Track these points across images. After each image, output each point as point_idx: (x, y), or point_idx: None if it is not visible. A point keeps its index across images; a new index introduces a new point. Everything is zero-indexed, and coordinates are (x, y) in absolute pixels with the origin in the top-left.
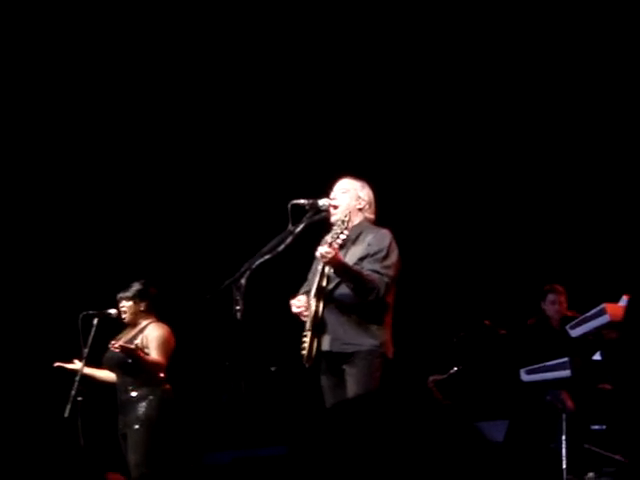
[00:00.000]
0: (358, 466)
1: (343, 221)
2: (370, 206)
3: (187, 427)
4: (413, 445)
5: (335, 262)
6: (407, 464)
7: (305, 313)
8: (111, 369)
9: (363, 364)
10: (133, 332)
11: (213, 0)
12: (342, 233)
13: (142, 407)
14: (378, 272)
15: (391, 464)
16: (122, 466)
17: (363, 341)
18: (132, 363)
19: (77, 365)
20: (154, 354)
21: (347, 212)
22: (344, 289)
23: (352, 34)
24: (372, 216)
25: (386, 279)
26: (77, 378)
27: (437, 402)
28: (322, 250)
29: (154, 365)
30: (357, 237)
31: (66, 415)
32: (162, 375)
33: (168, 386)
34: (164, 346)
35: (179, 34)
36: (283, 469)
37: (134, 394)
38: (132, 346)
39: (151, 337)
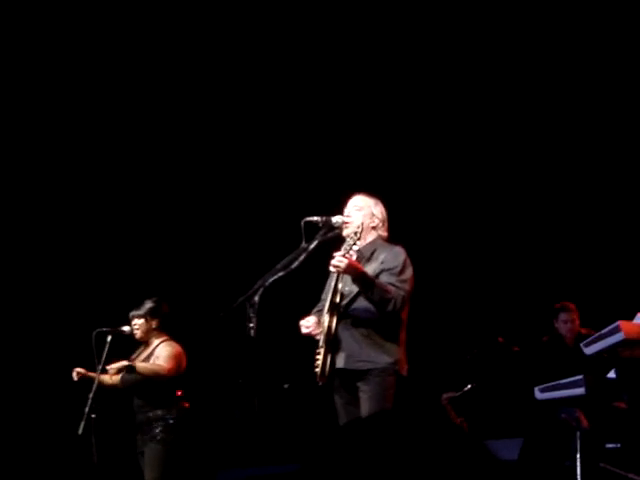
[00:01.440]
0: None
1: (355, 232)
2: (383, 224)
3: (201, 444)
4: (426, 463)
5: (352, 269)
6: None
7: (315, 332)
8: (128, 390)
9: (377, 382)
10: (146, 352)
11: (230, 14)
12: (355, 244)
13: (159, 426)
14: (395, 285)
15: None
16: None
17: (378, 358)
18: (144, 382)
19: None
20: (160, 361)
21: (360, 224)
22: (358, 305)
23: (366, 51)
24: (385, 234)
25: (402, 292)
26: (91, 395)
27: (449, 421)
28: (335, 261)
29: (152, 373)
30: (371, 255)
31: (80, 432)
32: (179, 394)
33: (185, 404)
34: (172, 358)
35: (195, 47)
36: None
37: (151, 414)
38: (125, 364)
39: (161, 354)
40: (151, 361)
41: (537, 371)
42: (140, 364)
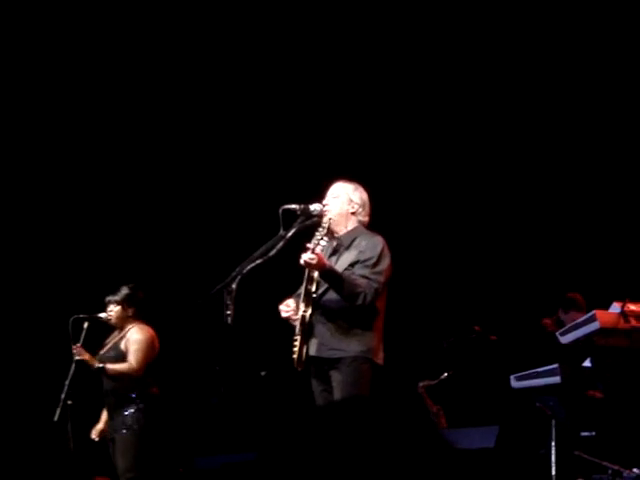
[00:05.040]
0: (343, 469)
1: (324, 227)
2: (363, 208)
3: (177, 431)
4: (399, 450)
5: (319, 267)
6: (394, 467)
7: (294, 317)
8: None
9: (349, 371)
10: (119, 337)
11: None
12: (322, 239)
13: (129, 412)
14: (367, 278)
15: (377, 467)
16: (111, 470)
17: (349, 347)
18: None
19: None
20: (130, 358)
21: (329, 219)
22: (332, 294)
23: (341, 36)
24: (366, 219)
25: (375, 285)
26: (67, 382)
27: (426, 409)
28: (305, 257)
29: (123, 374)
30: (351, 243)
31: (56, 419)
32: (149, 380)
33: (155, 390)
34: (142, 351)
35: (174, 40)
36: (263, 473)
37: (121, 399)
38: (96, 365)
39: (131, 340)
40: (122, 345)
41: (542, 353)
42: (110, 367)
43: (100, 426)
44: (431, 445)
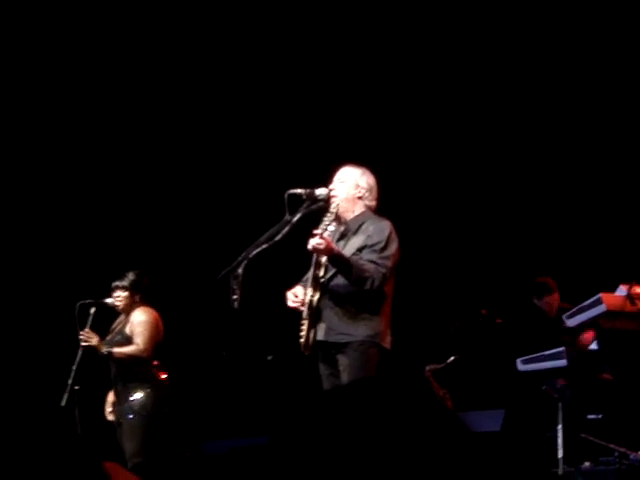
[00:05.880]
0: (348, 455)
1: (331, 212)
2: (370, 193)
3: (184, 416)
4: (406, 435)
5: (327, 252)
6: (400, 453)
7: (302, 308)
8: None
9: (356, 355)
10: (124, 321)
11: None
12: (330, 224)
13: (136, 397)
14: (375, 262)
15: (382, 453)
16: (118, 455)
17: (357, 332)
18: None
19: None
20: (137, 340)
21: (337, 204)
22: (340, 279)
23: (351, 24)
24: (373, 203)
25: (383, 269)
26: (74, 367)
27: (432, 392)
28: (313, 242)
29: (130, 357)
30: (358, 227)
31: (63, 404)
32: (155, 363)
33: (163, 374)
34: (148, 331)
35: (173, 25)
36: (270, 458)
37: (128, 384)
38: (104, 350)
39: (135, 323)
40: (127, 329)
41: (520, 342)
42: (117, 351)
43: (110, 399)
44: (442, 428)
